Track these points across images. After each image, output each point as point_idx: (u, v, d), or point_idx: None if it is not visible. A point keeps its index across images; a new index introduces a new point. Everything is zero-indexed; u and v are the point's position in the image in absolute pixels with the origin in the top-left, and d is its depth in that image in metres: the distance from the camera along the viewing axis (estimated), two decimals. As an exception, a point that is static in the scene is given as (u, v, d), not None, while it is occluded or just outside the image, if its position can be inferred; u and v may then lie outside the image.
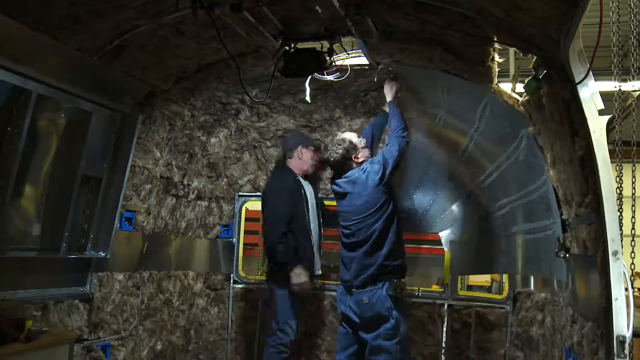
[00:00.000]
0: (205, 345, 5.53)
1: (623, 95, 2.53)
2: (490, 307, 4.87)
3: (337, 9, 3.10)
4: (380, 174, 4.07)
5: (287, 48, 3.63)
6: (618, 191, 2.48)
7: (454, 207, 5.02)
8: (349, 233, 4.20)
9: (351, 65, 4.29)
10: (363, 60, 4.21)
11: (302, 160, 4.68)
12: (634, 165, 2.42)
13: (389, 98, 4.33)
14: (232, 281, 5.65)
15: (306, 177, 4.73)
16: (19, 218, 3.65)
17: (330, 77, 4.27)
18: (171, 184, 5.07)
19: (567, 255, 3.34)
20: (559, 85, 2.77)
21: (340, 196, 4.34)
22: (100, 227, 4.19)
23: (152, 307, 4.92)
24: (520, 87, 3.44)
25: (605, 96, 2.57)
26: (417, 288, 5.23)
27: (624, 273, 2.39)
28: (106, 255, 4.18)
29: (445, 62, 3.79)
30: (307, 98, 4.68)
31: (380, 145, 4.73)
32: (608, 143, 2.54)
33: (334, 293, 5.42)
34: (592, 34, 2.32)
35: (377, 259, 4.00)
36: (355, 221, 4.13)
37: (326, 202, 5.62)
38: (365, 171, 4.15)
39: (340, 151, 4.27)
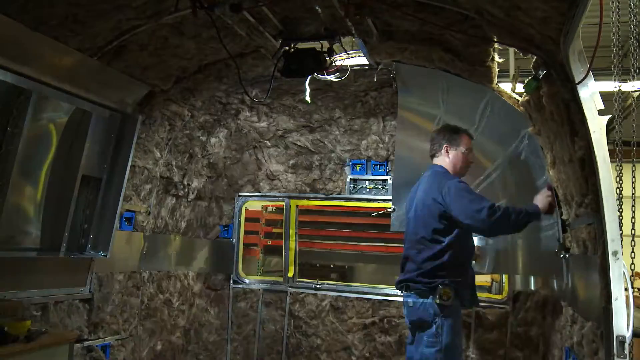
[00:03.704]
0: (205, 346, 5.54)
1: (623, 95, 2.52)
2: (490, 307, 4.86)
3: (337, 9, 3.10)
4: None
5: (287, 48, 3.63)
6: (618, 191, 2.48)
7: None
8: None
9: (351, 65, 4.29)
10: (363, 60, 4.21)
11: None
12: (634, 165, 2.42)
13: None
14: (232, 281, 5.66)
15: None
16: (19, 218, 3.65)
17: (330, 77, 4.27)
18: (171, 184, 5.07)
19: (567, 255, 3.34)
20: (559, 85, 2.77)
21: None
22: (100, 227, 4.18)
23: (152, 307, 4.92)
24: (520, 87, 3.44)
25: (605, 96, 2.56)
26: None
27: (624, 273, 2.39)
28: (106, 255, 4.18)
29: (445, 62, 3.79)
30: (307, 98, 4.68)
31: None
32: (608, 143, 2.53)
33: (333, 293, 5.43)
34: (592, 34, 2.32)
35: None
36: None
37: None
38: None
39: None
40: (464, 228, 3.54)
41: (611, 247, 2.42)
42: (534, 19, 2.57)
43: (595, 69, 2.49)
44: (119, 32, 3.41)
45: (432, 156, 3.90)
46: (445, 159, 3.81)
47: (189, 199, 5.35)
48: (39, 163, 3.73)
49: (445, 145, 3.80)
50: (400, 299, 5.15)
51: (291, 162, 5.56)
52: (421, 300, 3.57)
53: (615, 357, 2.33)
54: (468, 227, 3.53)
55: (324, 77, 4.23)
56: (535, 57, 2.98)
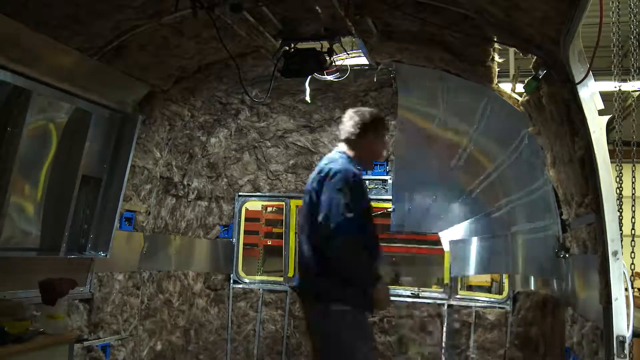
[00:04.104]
0: (205, 345, 5.53)
1: (623, 95, 2.53)
2: (490, 307, 4.87)
3: (337, 9, 3.10)
4: None
5: (287, 48, 3.63)
6: (618, 191, 2.49)
7: (454, 207, 5.02)
8: None
9: (351, 65, 4.29)
10: (363, 60, 4.21)
11: None
12: (634, 165, 2.43)
13: None
14: (232, 281, 5.66)
15: None
16: (19, 218, 3.65)
17: (330, 77, 4.27)
18: (171, 184, 5.07)
19: (567, 255, 3.34)
20: (559, 85, 2.77)
21: None
22: (100, 227, 4.18)
23: (152, 307, 4.92)
24: (520, 87, 3.44)
25: (605, 96, 2.57)
26: (417, 288, 5.25)
27: (624, 273, 2.40)
28: (106, 255, 4.18)
29: (445, 62, 3.80)
30: (307, 98, 4.68)
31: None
32: (608, 143, 2.54)
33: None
34: (592, 34, 2.32)
35: None
36: None
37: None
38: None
39: None
40: None
41: (611, 247, 2.42)
42: (534, 19, 2.57)
43: (595, 69, 2.49)
44: (119, 32, 3.41)
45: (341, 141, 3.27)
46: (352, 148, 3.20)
47: (189, 199, 5.35)
48: (39, 163, 3.72)
49: (358, 132, 3.16)
50: (400, 299, 5.17)
51: (291, 162, 5.56)
52: None
53: (615, 357, 2.33)
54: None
55: (324, 77, 4.23)
56: (535, 57, 2.98)
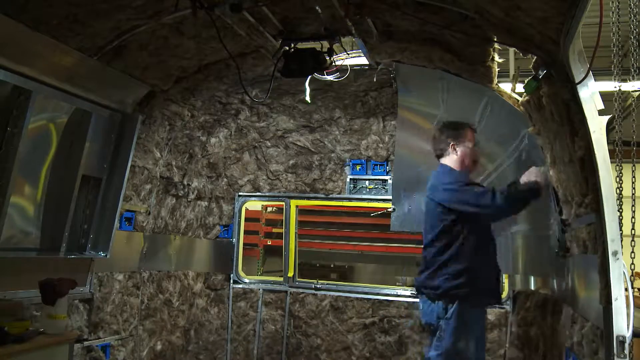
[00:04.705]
0: (205, 345, 5.54)
1: (623, 95, 2.52)
2: (490, 307, 4.86)
3: (337, 9, 3.11)
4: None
5: (287, 48, 3.63)
6: (618, 191, 2.48)
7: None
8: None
9: (351, 65, 4.29)
10: (363, 60, 4.21)
11: None
12: (634, 165, 2.42)
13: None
14: (232, 281, 5.66)
15: None
16: (19, 218, 3.65)
17: (330, 77, 4.28)
18: (171, 184, 5.07)
19: (567, 255, 3.34)
20: (559, 85, 2.77)
21: None
22: (100, 227, 4.19)
23: (152, 307, 4.92)
24: (520, 87, 3.44)
25: (605, 96, 2.57)
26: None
27: (624, 273, 2.39)
28: (106, 255, 4.18)
29: (445, 62, 3.79)
30: (307, 98, 4.68)
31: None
32: (608, 143, 2.53)
33: (333, 293, 5.44)
34: (592, 34, 2.32)
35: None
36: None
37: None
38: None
39: None
40: (470, 220, 3.47)
41: (611, 247, 2.42)
42: (534, 19, 2.57)
43: (595, 69, 2.49)
44: (119, 32, 3.41)
45: (439, 156, 3.76)
46: (453, 156, 3.68)
47: (189, 199, 5.35)
48: (39, 163, 3.73)
49: (452, 143, 3.67)
50: (400, 299, 5.18)
51: (291, 162, 5.56)
52: (428, 303, 3.56)
53: (615, 357, 2.33)
54: (475, 216, 3.45)
55: (324, 77, 4.24)
56: (535, 57, 2.99)
